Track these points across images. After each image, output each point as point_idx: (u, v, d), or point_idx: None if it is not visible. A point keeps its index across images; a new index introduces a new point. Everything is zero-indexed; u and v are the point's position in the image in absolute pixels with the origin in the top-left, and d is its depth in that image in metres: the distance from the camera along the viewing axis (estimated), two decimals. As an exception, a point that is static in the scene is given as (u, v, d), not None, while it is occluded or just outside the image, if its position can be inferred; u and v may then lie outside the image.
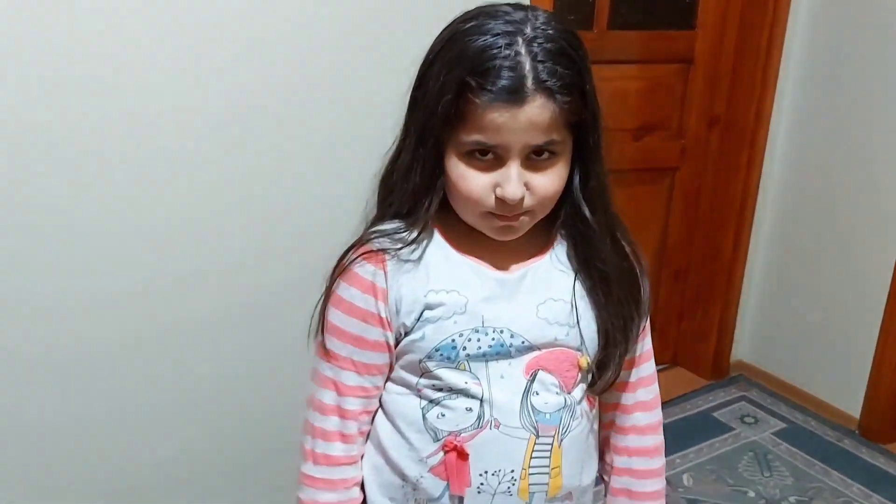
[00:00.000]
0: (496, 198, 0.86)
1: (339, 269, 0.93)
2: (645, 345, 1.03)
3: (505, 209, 0.86)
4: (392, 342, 0.93)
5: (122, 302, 1.63)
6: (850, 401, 2.58)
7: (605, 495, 1.07)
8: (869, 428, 2.53)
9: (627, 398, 1.03)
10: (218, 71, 1.58)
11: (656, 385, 1.06)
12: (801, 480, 2.31)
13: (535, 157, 0.86)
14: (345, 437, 0.95)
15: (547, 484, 0.92)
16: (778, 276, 2.78)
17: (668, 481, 2.25)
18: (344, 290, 0.92)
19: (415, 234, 0.91)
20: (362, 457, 0.98)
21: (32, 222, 1.50)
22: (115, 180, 1.55)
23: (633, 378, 1.03)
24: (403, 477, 0.94)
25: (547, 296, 0.93)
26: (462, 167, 0.86)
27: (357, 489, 0.97)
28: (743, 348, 2.93)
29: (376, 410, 0.97)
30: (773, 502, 2.21)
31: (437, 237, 0.93)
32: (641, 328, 1.00)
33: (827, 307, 2.63)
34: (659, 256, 2.80)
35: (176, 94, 1.56)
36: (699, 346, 2.87)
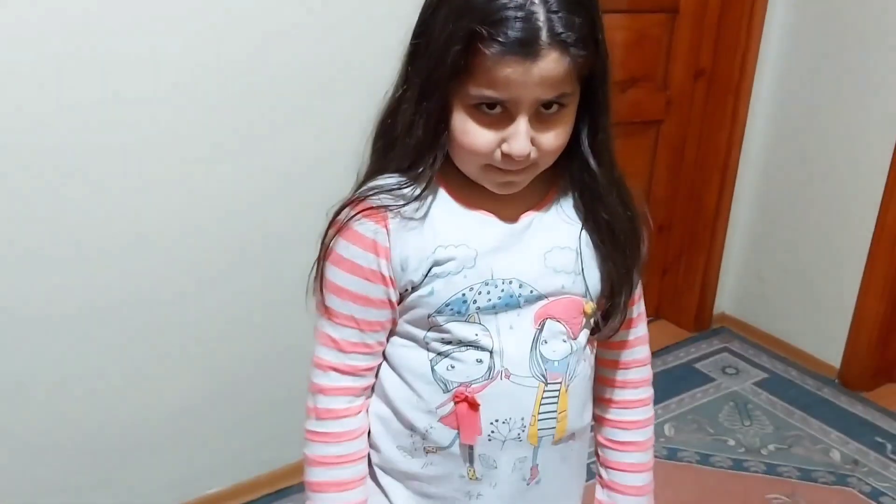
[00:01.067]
0: (502, 153, 0.83)
1: (337, 227, 0.90)
2: (639, 307, 1.03)
3: (510, 164, 0.84)
4: (395, 299, 0.91)
5: (123, 252, 1.64)
6: (831, 351, 2.62)
7: (595, 446, 1.09)
8: (848, 377, 2.57)
9: (625, 355, 1.04)
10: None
11: (647, 347, 1.07)
12: (781, 429, 2.36)
13: (543, 111, 0.83)
14: (347, 391, 0.94)
15: (554, 428, 0.93)
16: (761, 229, 2.79)
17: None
18: (344, 248, 0.90)
19: (419, 191, 0.88)
20: (367, 410, 0.97)
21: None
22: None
23: (630, 336, 1.03)
24: (412, 428, 0.94)
25: (553, 244, 0.92)
26: (468, 121, 0.83)
27: (362, 441, 0.96)
28: (726, 301, 2.95)
29: (380, 364, 0.97)
30: (753, 450, 2.25)
31: (441, 192, 0.91)
32: (636, 284, 0.99)
33: (809, 259, 2.65)
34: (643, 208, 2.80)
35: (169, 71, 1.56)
36: (682, 299, 2.89)
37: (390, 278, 0.89)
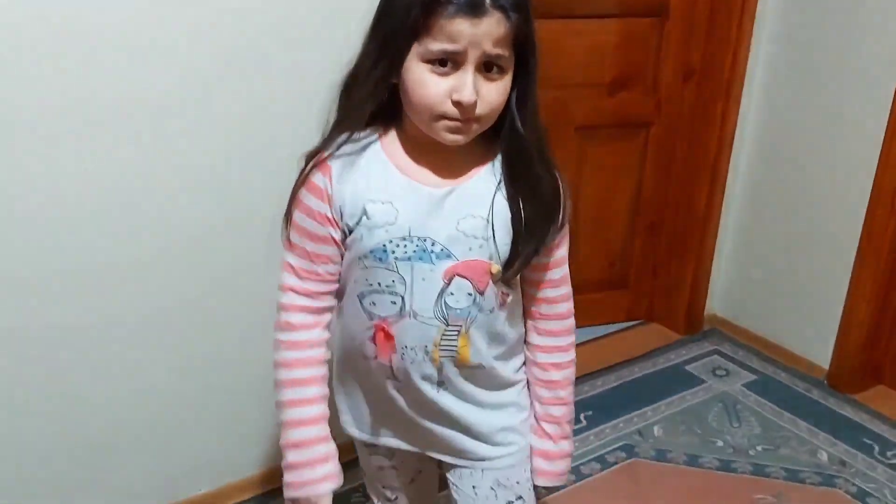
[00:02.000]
0: (452, 102, 1.00)
1: (302, 179, 1.11)
2: (560, 252, 1.20)
3: (459, 112, 1.01)
4: (338, 237, 1.12)
5: (107, 251, 1.64)
6: (820, 353, 2.62)
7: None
8: (837, 379, 2.58)
9: (540, 295, 1.23)
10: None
11: (567, 300, 1.25)
12: (769, 430, 2.36)
13: (485, 72, 1.01)
14: (302, 309, 1.15)
15: (454, 357, 1.14)
16: (751, 230, 2.80)
17: (640, 433, 2.30)
18: (304, 195, 1.11)
19: (360, 144, 1.09)
20: (326, 327, 1.19)
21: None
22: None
23: (546, 277, 1.21)
24: (352, 336, 1.18)
25: (468, 212, 1.09)
26: (424, 73, 1.00)
27: (317, 350, 1.17)
28: (717, 302, 2.96)
29: (342, 294, 1.18)
30: (741, 451, 2.26)
31: (382, 155, 1.10)
32: (559, 237, 1.18)
33: (799, 261, 2.66)
34: (633, 211, 2.81)
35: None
36: (673, 301, 2.89)
37: (333, 219, 1.11)
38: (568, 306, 1.25)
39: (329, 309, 1.19)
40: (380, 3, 1.05)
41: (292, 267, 1.15)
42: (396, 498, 1.41)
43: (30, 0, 1.41)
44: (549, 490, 1.32)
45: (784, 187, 2.66)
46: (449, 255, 1.09)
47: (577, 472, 2.12)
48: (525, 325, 1.26)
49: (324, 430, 1.17)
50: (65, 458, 1.74)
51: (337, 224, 1.11)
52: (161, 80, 1.58)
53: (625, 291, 2.91)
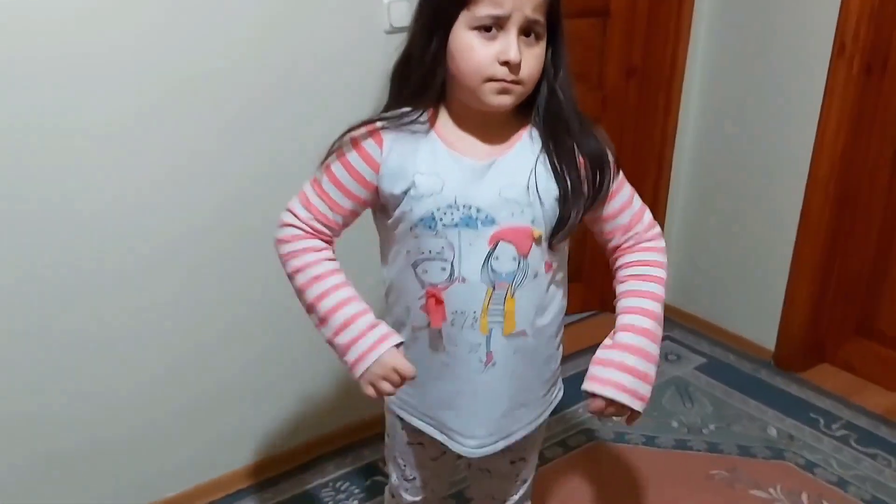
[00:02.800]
0: (500, 63, 1.08)
1: (351, 140, 1.17)
2: (618, 202, 1.25)
3: (507, 73, 1.09)
4: (364, 198, 1.20)
5: (92, 253, 1.67)
6: (766, 335, 2.74)
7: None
8: (782, 359, 2.69)
9: (614, 242, 1.29)
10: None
11: (647, 218, 1.29)
12: (721, 409, 2.46)
13: (524, 38, 1.09)
14: (298, 232, 1.21)
15: (501, 322, 1.20)
16: (696, 220, 2.91)
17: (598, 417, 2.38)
18: (349, 152, 1.18)
19: (416, 116, 1.16)
20: (325, 249, 1.23)
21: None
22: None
23: (612, 226, 1.27)
24: (406, 307, 1.24)
25: (509, 181, 1.16)
26: (473, 39, 1.09)
27: (322, 253, 1.22)
28: (666, 291, 3.04)
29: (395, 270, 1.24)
30: (695, 429, 2.36)
31: (430, 131, 1.17)
32: (613, 188, 1.23)
33: (742, 248, 2.77)
34: (584, 204, 2.88)
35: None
36: None
37: (373, 184, 1.18)
38: (651, 237, 1.28)
39: (327, 243, 1.24)
40: None
41: (308, 199, 1.22)
42: (414, 478, 1.46)
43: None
44: (606, 406, 1.19)
45: (725, 176, 2.76)
46: (493, 221, 1.15)
47: (539, 456, 2.18)
48: (613, 265, 1.29)
49: (358, 306, 1.19)
50: (43, 461, 1.75)
51: (375, 189, 1.18)
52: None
53: (578, 284, 2.98)
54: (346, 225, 1.24)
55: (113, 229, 1.69)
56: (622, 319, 1.22)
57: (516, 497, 1.49)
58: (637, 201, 1.28)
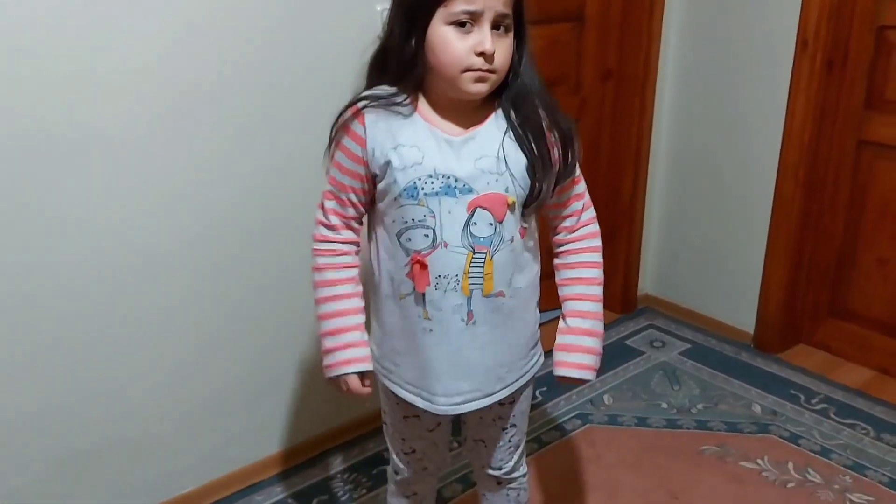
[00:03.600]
0: (476, 55, 1.20)
1: (341, 125, 1.30)
2: (575, 190, 1.41)
3: (483, 62, 1.21)
4: (363, 174, 1.31)
5: (95, 253, 1.70)
6: (745, 319, 2.87)
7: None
8: (762, 341, 2.83)
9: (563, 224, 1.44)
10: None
11: (590, 212, 1.45)
12: (707, 390, 2.58)
13: (495, 31, 1.21)
14: (331, 223, 1.36)
15: (482, 284, 1.32)
16: (673, 213, 3.04)
17: (592, 402, 2.49)
18: (342, 137, 1.31)
19: (401, 99, 1.27)
20: (352, 242, 1.39)
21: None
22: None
23: (564, 213, 1.43)
24: (391, 277, 1.35)
25: (482, 153, 1.29)
26: (449, 33, 1.21)
27: (346, 257, 1.38)
28: (648, 282, 3.19)
29: (382, 238, 1.35)
30: (684, 410, 2.47)
31: (410, 109, 1.28)
32: (574, 177, 1.38)
33: (718, 237, 2.90)
34: (566, 203, 2.99)
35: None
36: (608, 284, 2.97)
37: (363, 159, 1.29)
38: (592, 225, 1.45)
39: (350, 228, 1.38)
40: None
41: (330, 191, 1.36)
42: (414, 451, 1.55)
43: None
44: (574, 382, 1.44)
45: (700, 170, 2.90)
46: (471, 190, 1.27)
47: (538, 441, 2.29)
48: (556, 247, 1.46)
49: (350, 321, 1.37)
50: (52, 462, 1.79)
51: (367, 163, 1.30)
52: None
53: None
54: (371, 202, 1.36)
55: (126, 234, 1.75)
56: (574, 305, 1.43)
57: (511, 463, 1.58)
58: (587, 193, 1.44)
